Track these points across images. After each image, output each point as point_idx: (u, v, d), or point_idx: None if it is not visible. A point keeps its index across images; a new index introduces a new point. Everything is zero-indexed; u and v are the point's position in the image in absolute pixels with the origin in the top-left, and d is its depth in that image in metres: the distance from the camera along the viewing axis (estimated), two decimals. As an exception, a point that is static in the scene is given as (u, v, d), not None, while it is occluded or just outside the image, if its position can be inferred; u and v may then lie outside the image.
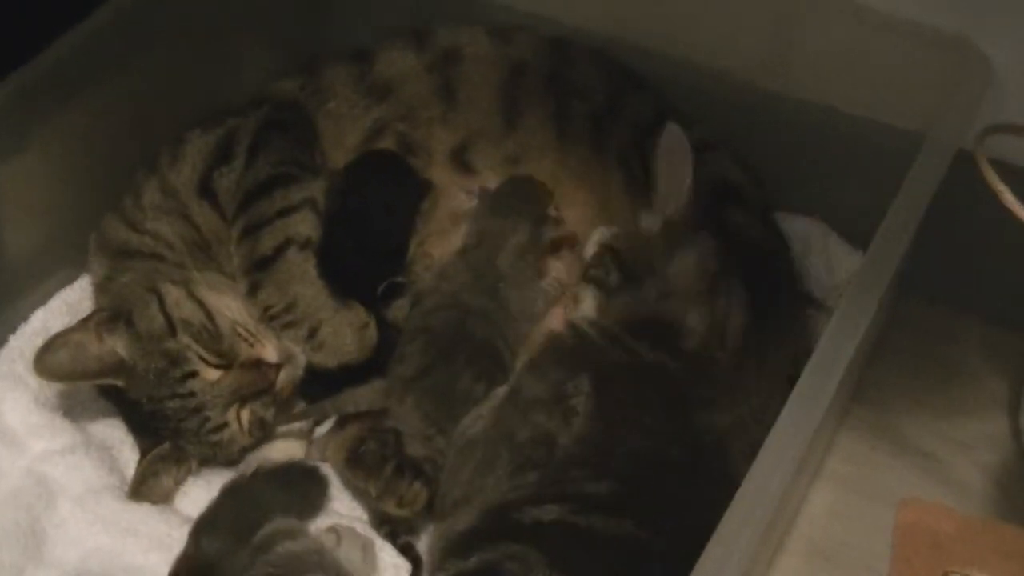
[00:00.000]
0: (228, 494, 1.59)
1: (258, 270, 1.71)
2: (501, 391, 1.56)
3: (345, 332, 1.70)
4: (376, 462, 1.58)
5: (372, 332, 1.71)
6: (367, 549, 1.58)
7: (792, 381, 1.36)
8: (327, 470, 1.69)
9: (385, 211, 1.81)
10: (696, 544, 1.21)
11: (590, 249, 1.72)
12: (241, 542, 1.50)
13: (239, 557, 1.48)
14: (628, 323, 1.54)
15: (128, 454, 1.73)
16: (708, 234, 1.59)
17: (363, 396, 1.66)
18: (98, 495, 1.65)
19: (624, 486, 1.39)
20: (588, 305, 1.63)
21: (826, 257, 1.87)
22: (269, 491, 1.60)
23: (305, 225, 1.74)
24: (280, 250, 1.71)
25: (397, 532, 1.61)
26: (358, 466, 1.61)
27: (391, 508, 1.57)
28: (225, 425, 1.66)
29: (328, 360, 1.70)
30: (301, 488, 1.62)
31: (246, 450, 1.69)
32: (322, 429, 1.76)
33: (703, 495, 1.31)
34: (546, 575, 1.30)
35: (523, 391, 1.51)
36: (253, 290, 1.71)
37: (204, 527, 1.54)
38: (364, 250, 1.78)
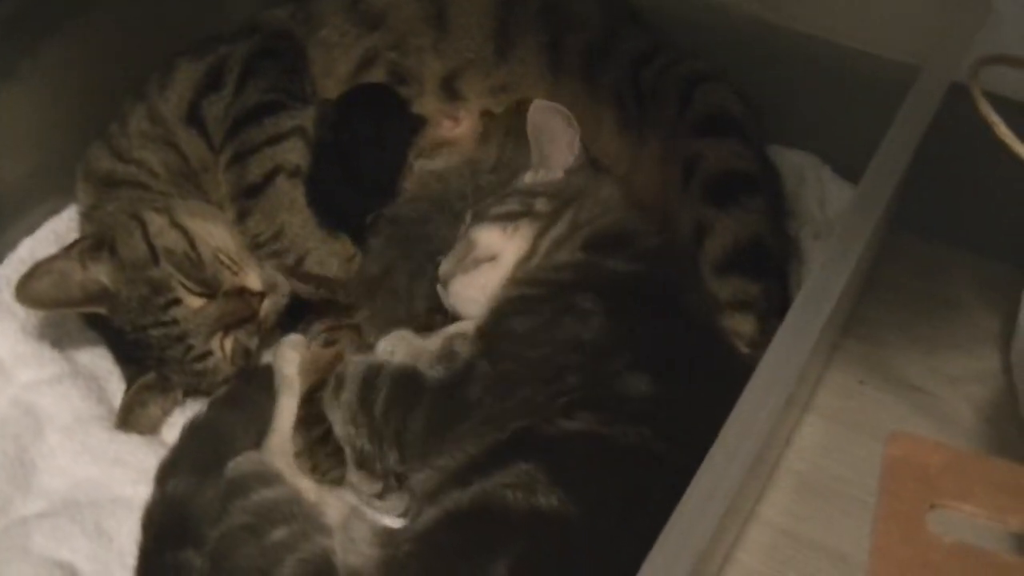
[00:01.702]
0: (186, 432, 1.56)
1: (246, 197, 1.69)
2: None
3: (331, 263, 1.67)
4: (313, 417, 1.56)
5: (357, 264, 1.69)
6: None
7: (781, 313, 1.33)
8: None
9: (377, 145, 1.78)
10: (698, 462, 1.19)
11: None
12: (207, 477, 1.48)
13: (207, 492, 1.46)
14: (585, 243, 1.52)
15: (115, 384, 1.71)
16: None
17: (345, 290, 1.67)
18: (86, 425, 1.63)
19: (658, 382, 1.37)
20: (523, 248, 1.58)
21: (819, 191, 1.84)
22: (226, 419, 1.57)
23: (294, 153, 1.71)
24: (269, 178, 1.69)
25: None
26: (303, 408, 1.58)
27: (305, 467, 1.54)
28: (209, 353, 1.64)
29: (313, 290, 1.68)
30: (258, 408, 1.58)
31: (230, 379, 1.66)
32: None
33: (714, 400, 1.27)
34: (547, 495, 1.27)
35: (513, 331, 1.47)
36: (241, 217, 1.69)
37: (167, 471, 1.52)
38: (354, 182, 1.74)
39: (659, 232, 1.55)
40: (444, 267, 1.56)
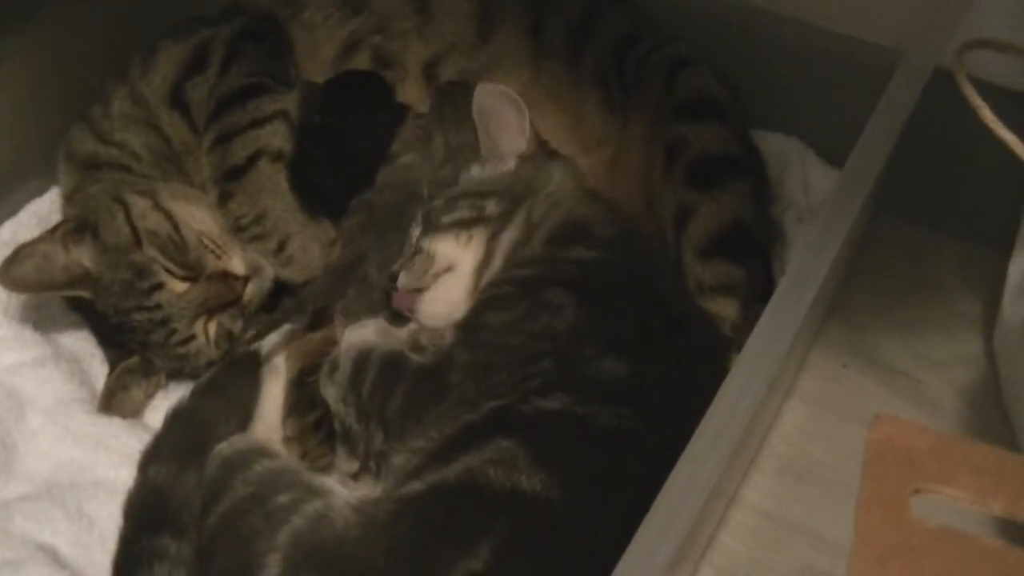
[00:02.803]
0: (168, 420, 1.54)
1: (229, 180, 1.68)
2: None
3: (313, 247, 1.68)
4: (304, 403, 1.55)
5: (338, 250, 1.69)
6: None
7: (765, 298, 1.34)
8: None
9: (362, 132, 1.78)
10: (680, 444, 1.20)
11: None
12: (189, 464, 1.47)
13: (189, 479, 1.46)
14: (544, 240, 1.52)
15: (98, 367, 1.70)
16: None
17: (313, 290, 1.66)
18: (68, 408, 1.63)
19: (632, 367, 1.37)
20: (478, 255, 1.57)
21: (803, 175, 1.84)
22: (208, 407, 1.55)
23: (277, 137, 1.71)
24: (252, 160, 1.68)
25: None
26: (294, 394, 1.57)
27: (294, 453, 1.54)
28: (192, 337, 1.64)
29: (295, 275, 1.68)
30: (240, 396, 1.57)
31: (213, 363, 1.65)
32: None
33: (693, 381, 1.30)
34: (531, 474, 1.28)
35: (489, 323, 1.48)
36: (223, 200, 1.68)
37: (149, 458, 1.50)
38: (337, 168, 1.75)
39: (617, 220, 1.54)
40: (403, 279, 1.55)
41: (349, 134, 1.77)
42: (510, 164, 1.58)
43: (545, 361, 1.39)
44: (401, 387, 1.45)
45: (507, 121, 1.57)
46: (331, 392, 1.51)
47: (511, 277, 1.50)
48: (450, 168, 1.71)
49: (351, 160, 1.76)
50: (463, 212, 1.52)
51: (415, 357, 1.48)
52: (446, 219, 1.52)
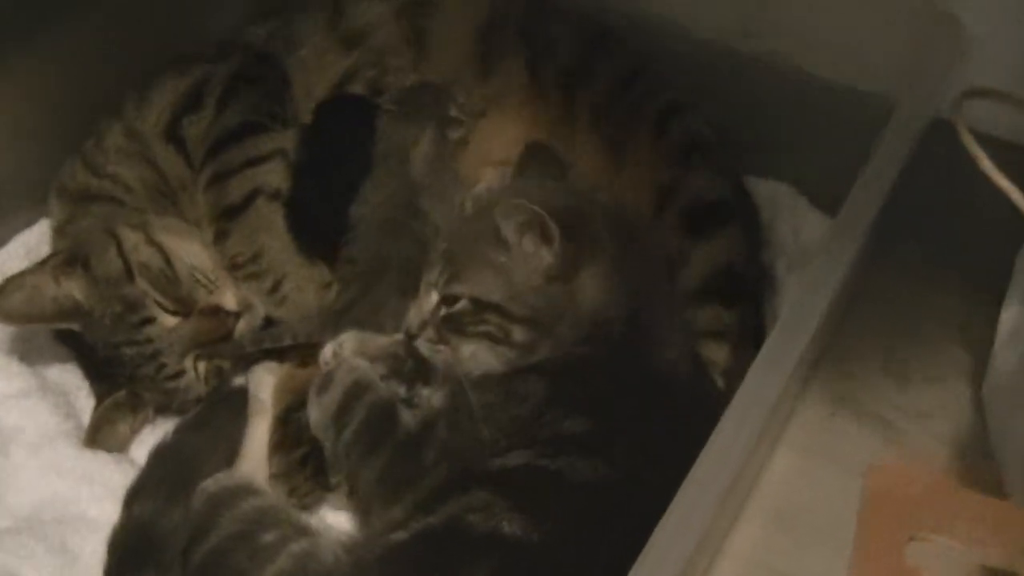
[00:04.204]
0: (152, 457, 1.56)
1: (225, 218, 1.68)
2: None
3: (308, 288, 1.67)
4: (290, 439, 1.56)
5: (333, 293, 1.68)
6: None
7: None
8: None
9: (350, 159, 1.77)
10: (664, 492, 1.20)
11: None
12: (174, 501, 1.48)
13: (174, 515, 1.46)
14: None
15: (84, 400, 1.69)
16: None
17: (300, 328, 1.63)
18: (53, 441, 1.62)
19: (597, 422, 1.38)
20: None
21: (794, 221, 1.85)
22: (193, 444, 1.56)
23: (274, 175, 1.71)
24: (249, 199, 1.68)
25: None
26: (280, 430, 1.57)
27: (281, 490, 1.54)
28: (182, 373, 1.64)
29: (288, 315, 1.67)
30: (225, 433, 1.57)
31: (202, 399, 1.65)
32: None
33: (670, 438, 1.30)
34: (509, 520, 1.28)
35: (468, 405, 1.46)
36: (220, 238, 1.69)
37: (134, 494, 1.51)
38: (329, 199, 1.73)
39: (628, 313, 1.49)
40: (424, 348, 1.53)
41: (338, 162, 1.77)
42: (538, 280, 1.50)
43: (507, 437, 1.40)
44: (379, 459, 1.44)
45: (533, 241, 1.48)
46: (314, 414, 1.49)
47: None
48: (394, 160, 1.74)
49: (342, 188, 1.75)
50: (490, 328, 1.48)
51: (403, 415, 1.47)
52: (471, 329, 1.49)
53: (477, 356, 1.47)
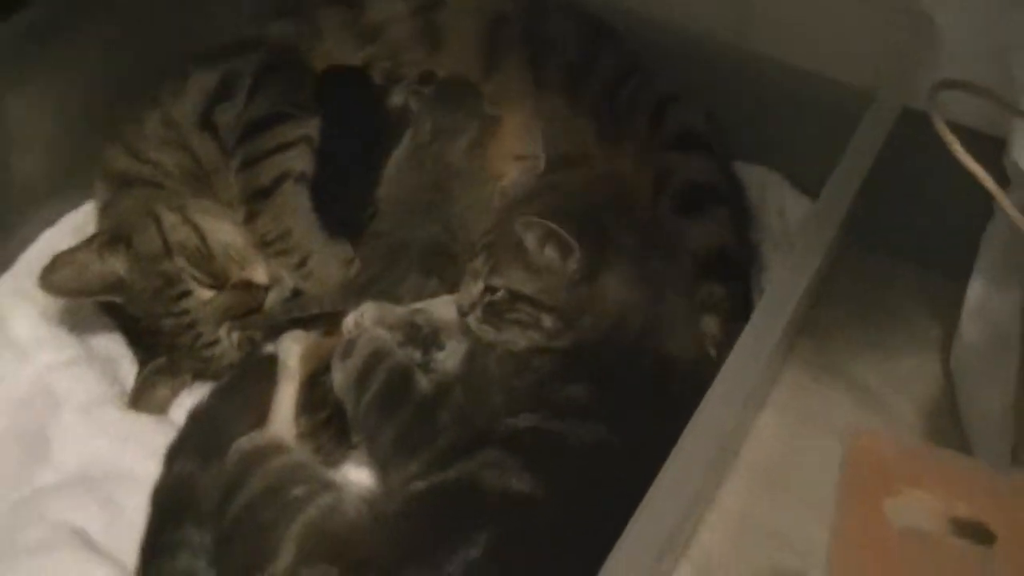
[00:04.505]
0: (190, 419, 1.57)
1: (256, 200, 1.69)
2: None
3: (331, 264, 1.68)
4: (316, 401, 1.56)
5: (355, 268, 1.69)
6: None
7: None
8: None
9: (366, 146, 1.79)
10: (660, 453, 1.21)
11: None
12: (210, 460, 1.49)
13: (209, 473, 1.47)
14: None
15: (128, 367, 1.70)
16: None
17: (325, 300, 1.65)
18: (100, 405, 1.63)
19: (598, 390, 1.39)
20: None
21: (779, 203, 1.84)
22: (226, 407, 1.57)
23: (300, 160, 1.72)
24: (277, 182, 1.69)
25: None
26: (306, 394, 1.57)
27: (308, 448, 1.54)
28: (217, 341, 1.64)
29: (314, 288, 1.68)
30: (255, 397, 1.57)
31: (235, 365, 1.66)
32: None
33: (666, 410, 1.30)
34: (521, 478, 1.30)
35: (488, 369, 1.49)
36: (250, 218, 1.69)
37: (174, 453, 1.52)
38: (348, 182, 1.75)
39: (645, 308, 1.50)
40: (474, 324, 1.53)
41: (353, 146, 1.78)
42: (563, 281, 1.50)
43: (517, 402, 1.41)
44: (397, 419, 1.46)
45: (554, 252, 1.49)
46: (338, 376, 1.51)
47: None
48: (437, 144, 1.74)
49: (351, 158, 1.78)
50: (522, 316, 1.49)
51: (419, 380, 1.48)
52: (508, 316, 1.49)
53: (509, 338, 1.49)
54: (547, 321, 1.48)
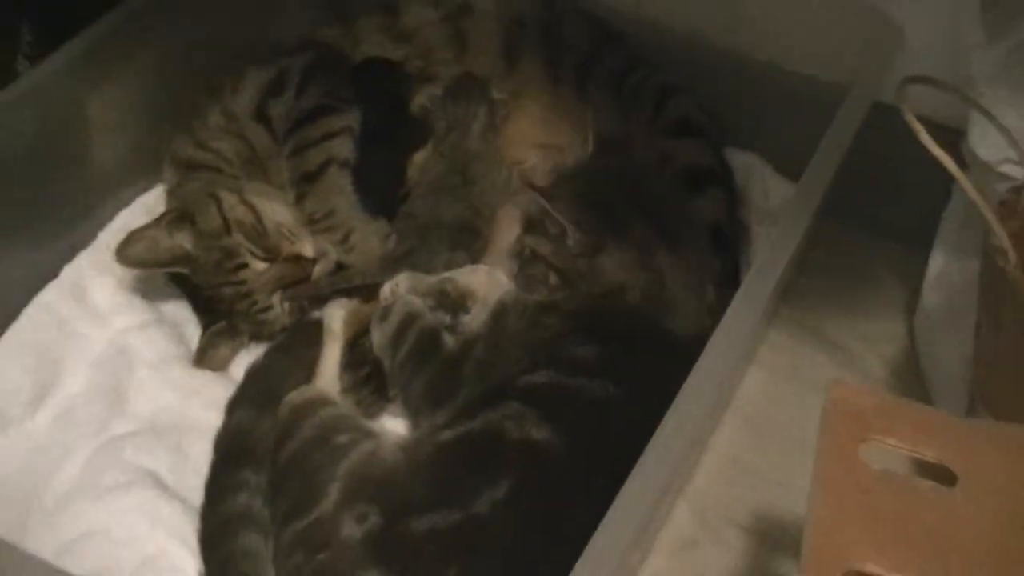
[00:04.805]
0: (248, 374, 1.57)
1: (304, 183, 1.68)
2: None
3: (371, 239, 1.67)
4: (357, 360, 1.56)
5: (392, 243, 1.68)
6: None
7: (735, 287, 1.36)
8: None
9: (399, 135, 1.78)
10: (662, 406, 1.22)
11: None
12: (264, 410, 1.49)
13: (265, 423, 1.48)
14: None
15: (192, 330, 1.70)
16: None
17: (365, 271, 1.65)
18: (168, 363, 1.64)
19: (606, 352, 1.38)
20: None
21: (763, 186, 1.83)
22: (280, 364, 1.57)
23: (344, 148, 1.71)
24: (323, 167, 1.68)
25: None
26: (349, 353, 1.57)
27: (350, 401, 1.54)
28: (270, 307, 1.64)
29: (355, 261, 1.67)
30: (305, 356, 1.57)
31: (286, 328, 1.66)
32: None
33: (666, 369, 1.29)
34: (539, 428, 1.30)
35: (506, 327, 1.48)
36: (299, 199, 1.69)
37: (233, 405, 1.53)
38: (383, 168, 1.75)
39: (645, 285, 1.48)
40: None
41: (389, 135, 1.77)
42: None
43: (531, 357, 1.41)
44: (426, 372, 1.46)
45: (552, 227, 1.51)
46: (376, 337, 1.51)
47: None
48: (454, 135, 1.74)
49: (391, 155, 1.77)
50: (536, 272, 1.51)
51: (446, 339, 1.48)
52: (528, 270, 1.52)
53: (529, 289, 1.51)
54: (552, 279, 1.49)
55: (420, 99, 1.80)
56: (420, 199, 1.71)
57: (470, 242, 1.66)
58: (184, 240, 1.63)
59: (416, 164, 1.75)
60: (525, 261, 1.53)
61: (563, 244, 1.48)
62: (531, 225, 1.54)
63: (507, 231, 1.66)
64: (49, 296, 1.67)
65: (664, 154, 1.73)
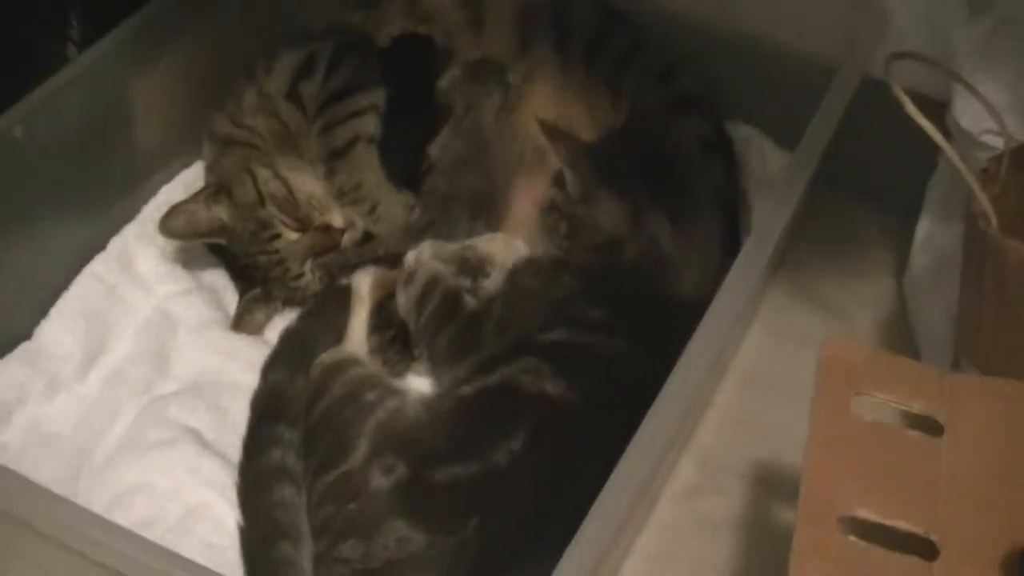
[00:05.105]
0: (282, 337, 1.57)
1: (333, 158, 1.68)
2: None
3: (396, 210, 1.66)
4: (383, 323, 1.56)
5: (416, 214, 1.68)
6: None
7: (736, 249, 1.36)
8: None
9: (421, 112, 1.76)
10: (669, 363, 1.22)
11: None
12: (297, 371, 1.49)
13: (298, 382, 1.48)
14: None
15: (230, 296, 1.70)
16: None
17: (391, 240, 1.65)
18: (208, 327, 1.64)
19: (617, 314, 1.39)
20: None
21: (761, 156, 1.82)
22: (312, 328, 1.57)
23: (370, 125, 1.70)
24: (351, 144, 1.68)
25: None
26: (375, 317, 1.57)
27: (377, 362, 1.54)
28: (302, 275, 1.64)
29: (382, 230, 1.67)
30: (335, 320, 1.57)
31: (317, 294, 1.66)
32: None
33: (672, 329, 1.29)
34: (554, 382, 1.30)
35: (522, 286, 1.49)
36: (329, 174, 1.68)
37: (269, 366, 1.52)
38: (407, 143, 1.73)
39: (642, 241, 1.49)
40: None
41: (413, 113, 1.76)
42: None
43: (545, 315, 1.41)
44: (449, 329, 1.46)
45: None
46: (401, 300, 1.52)
47: (549, 254, 1.51)
48: (472, 114, 1.73)
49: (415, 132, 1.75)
50: (550, 221, 1.53)
51: (467, 299, 1.48)
52: (548, 219, 1.53)
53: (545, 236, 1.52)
54: (561, 227, 1.50)
55: (442, 83, 1.79)
56: (441, 174, 1.69)
57: (488, 212, 1.65)
58: (222, 213, 1.63)
59: (437, 142, 1.74)
60: (544, 211, 1.54)
61: (567, 192, 1.49)
62: (556, 180, 1.54)
63: (522, 202, 1.66)
64: (98, 267, 1.67)
65: (668, 127, 1.70)
